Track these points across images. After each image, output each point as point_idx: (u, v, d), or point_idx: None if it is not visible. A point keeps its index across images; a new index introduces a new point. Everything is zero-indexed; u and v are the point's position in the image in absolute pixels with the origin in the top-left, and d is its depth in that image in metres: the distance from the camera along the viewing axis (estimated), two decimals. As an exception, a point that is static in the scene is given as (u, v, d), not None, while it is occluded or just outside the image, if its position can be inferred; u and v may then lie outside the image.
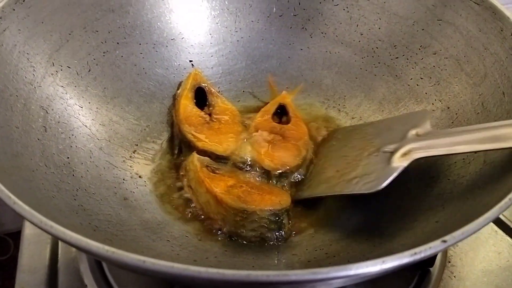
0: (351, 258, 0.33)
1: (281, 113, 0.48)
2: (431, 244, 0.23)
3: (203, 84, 0.48)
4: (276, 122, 0.46)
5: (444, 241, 0.24)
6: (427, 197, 0.36)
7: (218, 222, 0.37)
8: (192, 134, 0.43)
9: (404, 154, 0.35)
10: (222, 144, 0.43)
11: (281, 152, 0.43)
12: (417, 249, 0.23)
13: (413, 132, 0.36)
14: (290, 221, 0.38)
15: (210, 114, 0.46)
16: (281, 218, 0.37)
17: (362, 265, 0.22)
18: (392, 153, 0.36)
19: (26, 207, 0.24)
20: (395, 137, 0.37)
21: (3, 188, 0.25)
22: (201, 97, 0.47)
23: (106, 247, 0.22)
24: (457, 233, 0.24)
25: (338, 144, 0.43)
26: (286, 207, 0.37)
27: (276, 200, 0.38)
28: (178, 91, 0.47)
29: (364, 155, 0.38)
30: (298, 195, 0.41)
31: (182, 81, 0.48)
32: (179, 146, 0.44)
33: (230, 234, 0.37)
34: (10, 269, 0.70)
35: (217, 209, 0.37)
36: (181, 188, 0.41)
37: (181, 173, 0.41)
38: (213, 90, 0.48)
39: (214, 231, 0.37)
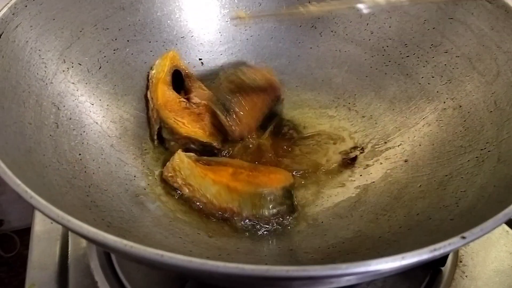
0: (365, 256, 0.33)
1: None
2: (451, 240, 0.23)
3: (180, 68, 0.47)
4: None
5: (464, 237, 0.23)
6: (440, 196, 0.36)
7: (233, 209, 0.37)
8: (174, 120, 0.42)
9: None
10: (205, 131, 0.42)
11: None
12: (436, 245, 0.23)
13: None
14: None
15: (187, 99, 0.45)
16: (291, 191, 0.39)
17: (381, 261, 0.22)
18: None
19: (43, 202, 0.24)
20: None
21: (19, 182, 0.25)
22: (177, 81, 0.46)
23: (124, 241, 0.22)
24: (476, 230, 0.24)
25: None
26: (292, 180, 0.40)
27: (281, 177, 0.39)
28: (153, 72, 0.46)
29: None
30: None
31: (156, 62, 0.47)
32: (159, 133, 0.43)
33: (249, 218, 0.37)
34: (16, 266, 0.70)
35: (231, 197, 0.37)
36: (176, 189, 0.40)
37: (169, 175, 0.40)
38: (190, 74, 0.47)
39: (224, 227, 0.37)
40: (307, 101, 0.49)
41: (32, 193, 0.25)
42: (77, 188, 0.34)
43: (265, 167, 0.41)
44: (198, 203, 0.39)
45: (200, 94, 0.46)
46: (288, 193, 0.39)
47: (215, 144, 0.42)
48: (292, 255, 0.36)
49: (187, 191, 0.39)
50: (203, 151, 0.42)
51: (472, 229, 0.24)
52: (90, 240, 0.23)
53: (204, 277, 0.26)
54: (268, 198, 0.37)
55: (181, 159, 0.40)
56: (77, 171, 0.36)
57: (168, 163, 0.40)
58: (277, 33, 0.51)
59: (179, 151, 0.40)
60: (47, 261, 0.41)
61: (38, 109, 0.37)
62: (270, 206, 0.38)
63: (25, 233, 0.70)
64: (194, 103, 0.45)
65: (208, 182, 0.38)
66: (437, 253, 0.23)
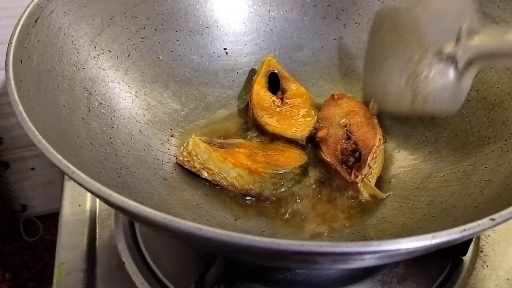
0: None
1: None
2: (480, 222, 0.24)
3: (276, 70, 0.49)
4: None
5: (493, 219, 0.24)
6: (464, 185, 0.36)
7: (255, 190, 0.39)
8: (263, 118, 0.45)
9: (468, 64, 0.36)
10: (291, 128, 0.44)
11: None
12: (466, 226, 0.23)
13: (464, 27, 0.36)
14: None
15: (282, 99, 0.48)
16: (307, 168, 0.42)
17: (412, 239, 0.23)
18: (454, 59, 0.36)
19: (86, 177, 0.25)
20: (448, 33, 0.37)
21: (61, 158, 0.26)
22: (275, 83, 0.49)
23: (164, 215, 0.23)
24: (505, 212, 0.24)
25: (390, 38, 0.42)
26: (306, 158, 0.42)
27: (296, 155, 0.42)
28: (254, 77, 0.49)
29: (424, 56, 0.38)
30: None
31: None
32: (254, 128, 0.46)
33: (269, 196, 0.39)
34: (39, 250, 0.72)
35: (252, 179, 0.39)
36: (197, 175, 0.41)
37: (185, 159, 0.41)
38: (286, 75, 0.49)
39: (249, 210, 0.38)
40: (330, 92, 0.49)
41: (74, 169, 0.26)
42: (109, 170, 0.35)
43: (275, 145, 0.43)
44: (221, 187, 0.40)
45: (294, 94, 0.48)
46: (304, 171, 0.41)
47: (299, 138, 0.44)
48: (318, 239, 0.36)
49: (206, 174, 0.40)
50: None
51: (501, 212, 0.24)
52: (131, 214, 0.24)
53: (238, 252, 0.26)
54: (288, 177, 0.40)
55: (197, 144, 0.40)
56: (109, 153, 0.37)
57: (182, 147, 0.41)
58: (301, 24, 0.52)
59: (193, 136, 0.41)
60: (76, 242, 0.42)
61: (71, 93, 0.38)
62: (289, 185, 0.40)
63: (48, 218, 0.72)
64: (287, 102, 0.47)
65: (228, 166, 0.39)
66: (466, 233, 0.23)
